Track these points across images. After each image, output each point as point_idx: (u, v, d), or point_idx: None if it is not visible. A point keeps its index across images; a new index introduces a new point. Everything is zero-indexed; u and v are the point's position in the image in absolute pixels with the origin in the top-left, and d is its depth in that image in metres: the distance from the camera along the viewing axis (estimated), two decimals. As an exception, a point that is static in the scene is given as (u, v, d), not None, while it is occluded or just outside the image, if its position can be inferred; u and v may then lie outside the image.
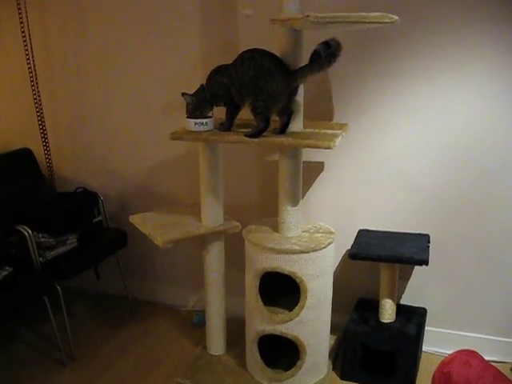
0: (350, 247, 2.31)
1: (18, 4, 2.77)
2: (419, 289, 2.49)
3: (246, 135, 1.98)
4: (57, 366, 2.47)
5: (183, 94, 2.10)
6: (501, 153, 2.21)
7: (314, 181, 2.52)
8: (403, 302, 2.52)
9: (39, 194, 2.88)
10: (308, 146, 1.92)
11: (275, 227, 2.23)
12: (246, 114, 2.07)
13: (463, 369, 2.00)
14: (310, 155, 2.47)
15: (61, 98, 2.93)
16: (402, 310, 2.40)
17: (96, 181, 2.99)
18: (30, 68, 2.87)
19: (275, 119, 2.01)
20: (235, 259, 2.58)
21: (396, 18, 1.76)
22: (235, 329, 2.59)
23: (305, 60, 1.90)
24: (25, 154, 2.93)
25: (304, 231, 2.22)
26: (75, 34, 2.77)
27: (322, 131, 2.08)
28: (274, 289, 2.21)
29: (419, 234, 2.38)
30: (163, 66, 2.64)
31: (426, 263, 2.12)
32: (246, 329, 2.31)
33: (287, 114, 2.00)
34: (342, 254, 2.57)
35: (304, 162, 2.17)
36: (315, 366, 2.24)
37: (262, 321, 2.17)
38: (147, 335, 2.73)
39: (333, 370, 2.38)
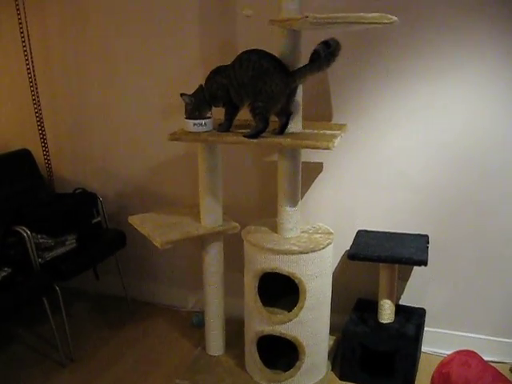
0: (349, 248, 2.31)
1: (17, 5, 2.77)
2: (418, 289, 2.49)
3: (244, 136, 1.98)
4: (56, 367, 2.47)
5: (182, 95, 2.10)
6: (501, 153, 2.21)
7: (313, 181, 2.52)
8: (402, 302, 2.52)
9: (38, 195, 2.88)
10: (307, 147, 1.92)
11: (274, 228, 2.23)
12: (244, 114, 2.07)
13: (462, 369, 2.00)
14: (308, 156, 2.47)
15: (60, 98, 2.92)
16: (401, 310, 2.40)
17: (95, 181, 2.99)
18: (28, 69, 2.87)
19: (274, 120, 2.01)
20: (234, 260, 2.58)
21: (395, 18, 1.76)
22: (234, 329, 2.59)
23: (304, 60, 1.90)
24: (24, 155, 2.93)
25: (303, 232, 2.22)
26: (74, 35, 2.77)
27: (321, 132, 2.08)
28: (272, 289, 2.21)
29: (418, 235, 2.38)
30: (162, 67, 2.64)
31: (425, 264, 2.12)
32: (245, 329, 2.31)
33: (286, 115, 2.00)
34: (341, 255, 2.57)
35: (303, 162, 2.17)
36: (314, 366, 2.24)
37: (261, 321, 2.17)
38: (146, 336, 2.73)
39: (332, 370, 2.38)
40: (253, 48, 1.97)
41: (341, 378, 2.33)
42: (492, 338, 2.41)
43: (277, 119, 2.02)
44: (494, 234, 2.30)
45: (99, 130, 2.89)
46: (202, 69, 2.52)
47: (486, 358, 2.13)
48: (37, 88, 2.92)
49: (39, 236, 2.50)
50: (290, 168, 2.09)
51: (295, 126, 2.06)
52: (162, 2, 2.54)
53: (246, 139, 1.97)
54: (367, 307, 2.44)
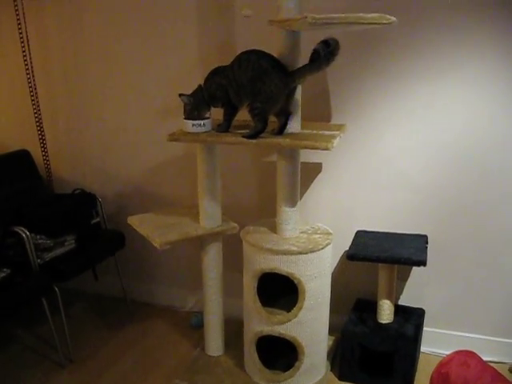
0: (348, 248, 2.31)
1: (16, 5, 2.76)
2: (417, 289, 2.49)
3: (243, 136, 1.98)
4: (55, 368, 2.47)
5: (180, 95, 2.10)
6: (501, 153, 2.21)
7: (312, 182, 2.52)
8: (401, 302, 2.52)
9: (37, 196, 2.88)
10: (306, 147, 1.92)
11: (273, 228, 2.23)
12: (243, 115, 2.07)
13: (461, 369, 2.00)
14: (307, 156, 2.47)
15: (59, 99, 2.92)
16: (400, 310, 2.40)
17: (94, 182, 2.99)
18: (27, 69, 2.87)
19: (273, 120, 2.01)
20: (233, 260, 2.58)
21: (393, 19, 1.76)
22: (233, 330, 2.59)
23: (303, 61, 1.90)
24: (23, 156, 2.92)
25: (302, 232, 2.22)
26: (73, 36, 2.77)
27: (320, 132, 2.08)
28: (272, 290, 2.21)
29: (417, 235, 2.38)
30: (161, 67, 2.64)
31: (424, 264, 2.12)
32: (245, 330, 2.31)
33: (285, 115, 2.00)
34: (340, 255, 2.57)
35: (302, 162, 2.17)
36: (313, 366, 2.24)
37: (260, 322, 2.17)
38: (145, 336, 2.73)
39: (331, 370, 2.38)
40: (252, 48, 1.97)
41: (340, 379, 2.33)
42: (491, 338, 2.41)
43: (276, 119, 2.02)
44: (493, 234, 2.30)
45: (98, 130, 2.89)
46: (201, 69, 2.52)
47: (485, 358, 2.13)
48: (36, 88, 2.91)
49: (38, 237, 2.50)
50: (289, 168, 2.09)
51: (294, 126, 2.05)
52: (161, 2, 2.54)
53: (244, 140, 1.97)
54: (366, 307, 2.44)
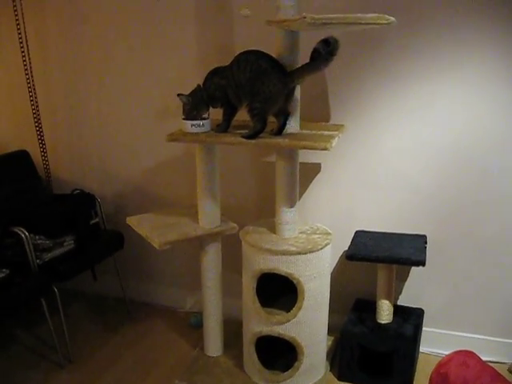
0: (347, 248, 2.31)
1: (15, 5, 2.76)
2: (416, 289, 2.49)
3: (242, 136, 1.98)
4: (54, 368, 2.47)
5: (179, 95, 2.10)
6: (501, 153, 2.21)
7: (310, 182, 2.52)
8: (400, 302, 2.52)
9: (36, 196, 2.87)
10: (305, 148, 1.92)
11: (272, 228, 2.23)
12: (242, 115, 2.07)
13: (460, 369, 2.00)
14: (306, 156, 2.47)
15: (58, 99, 2.92)
16: (399, 310, 2.40)
17: (93, 182, 2.99)
18: (26, 70, 2.87)
19: (272, 120, 2.01)
20: (232, 260, 2.58)
21: (392, 19, 1.76)
22: (232, 330, 2.58)
23: (302, 61, 1.90)
24: (22, 156, 2.92)
25: (301, 232, 2.22)
26: (72, 36, 2.77)
27: (319, 132, 2.08)
28: (271, 290, 2.21)
29: (416, 235, 2.38)
30: (160, 68, 2.64)
31: (423, 264, 2.12)
32: (244, 330, 2.31)
33: (284, 115, 2.00)
34: (339, 255, 2.57)
35: (301, 163, 2.17)
36: (313, 367, 2.24)
37: (259, 322, 2.17)
38: (144, 337, 2.72)
39: (330, 370, 2.38)
40: (251, 49, 1.97)
41: (339, 379, 2.33)
42: (490, 338, 2.41)
43: (275, 120, 2.02)
44: (492, 234, 2.30)
45: (97, 130, 2.89)
46: (201, 70, 2.51)
47: (484, 358, 2.13)
48: (35, 89, 2.91)
49: (37, 237, 2.49)
50: (287, 169, 2.09)
51: (293, 126, 2.05)
52: (160, 3, 2.54)
53: (244, 140, 1.97)
54: (365, 307, 2.44)
